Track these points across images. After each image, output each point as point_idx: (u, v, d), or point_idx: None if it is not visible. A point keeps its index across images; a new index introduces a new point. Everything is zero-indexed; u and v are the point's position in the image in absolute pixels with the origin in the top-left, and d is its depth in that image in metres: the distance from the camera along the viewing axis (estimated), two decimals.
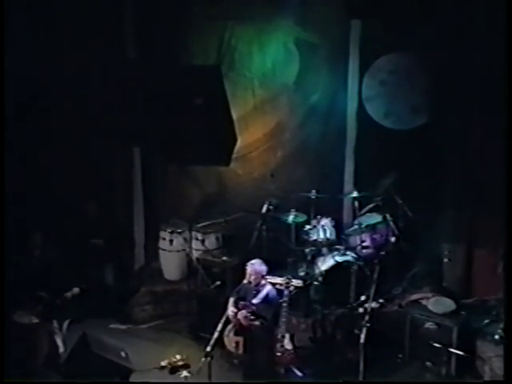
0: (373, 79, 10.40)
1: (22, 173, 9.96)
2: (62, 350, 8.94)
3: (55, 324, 8.99)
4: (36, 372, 8.46)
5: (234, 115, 10.37)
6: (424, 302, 9.38)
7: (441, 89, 9.98)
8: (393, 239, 9.94)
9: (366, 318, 8.20)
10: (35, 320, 8.81)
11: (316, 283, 9.65)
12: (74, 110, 10.18)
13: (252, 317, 7.86)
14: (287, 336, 8.61)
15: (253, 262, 8.11)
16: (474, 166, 9.56)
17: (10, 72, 9.11)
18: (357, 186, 10.51)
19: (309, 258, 9.94)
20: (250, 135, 10.82)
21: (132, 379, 8.80)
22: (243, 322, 7.92)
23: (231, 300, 8.10)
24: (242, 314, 7.92)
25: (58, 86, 10.04)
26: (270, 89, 10.83)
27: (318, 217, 10.17)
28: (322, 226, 10.13)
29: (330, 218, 10.25)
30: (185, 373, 8.96)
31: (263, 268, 8.06)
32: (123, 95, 10.37)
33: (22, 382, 7.09)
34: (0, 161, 8.57)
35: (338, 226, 10.47)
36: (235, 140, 10.33)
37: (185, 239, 10.62)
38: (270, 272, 8.23)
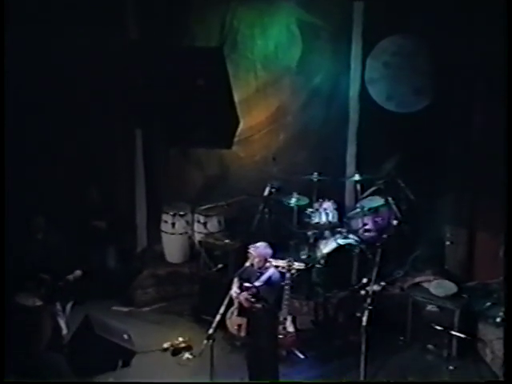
0: (376, 61, 10.36)
1: (24, 157, 9.94)
2: (65, 331, 8.98)
3: (58, 306, 9.02)
4: (39, 353, 8.50)
5: (236, 98, 10.33)
6: (426, 285, 9.41)
7: (444, 71, 9.95)
8: (395, 222, 9.95)
9: (368, 300, 8.19)
10: (38, 302, 8.84)
11: (318, 266, 9.67)
12: (75, 93, 10.14)
13: (253, 299, 7.86)
14: (289, 318, 8.65)
15: (257, 244, 8.09)
16: (476, 148, 9.54)
17: (11, 52, 9.09)
18: (359, 168, 10.50)
19: (311, 240, 9.95)
20: (252, 118, 10.80)
21: (135, 361, 8.89)
22: (245, 304, 7.93)
23: (235, 280, 8.10)
24: (243, 295, 7.93)
25: (58, 68, 9.99)
26: (272, 71, 10.79)
27: (320, 200, 10.16)
28: (324, 209, 10.13)
29: (332, 201, 10.24)
30: (187, 355, 9.07)
31: (268, 251, 8.05)
32: (124, 77, 10.33)
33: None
34: (2, 145, 8.55)
35: (340, 209, 10.45)
36: (237, 122, 10.30)
37: (187, 222, 10.63)
38: (273, 255, 8.23)
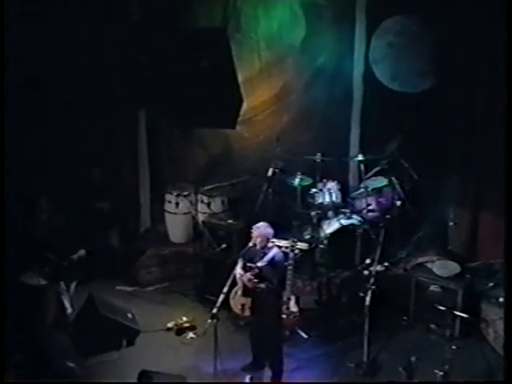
0: (380, 41, 10.30)
1: (27, 138, 9.94)
2: (69, 310, 9.04)
3: (62, 285, 9.07)
4: (45, 332, 8.56)
5: (240, 78, 10.29)
6: (429, 265, 9.43)
7: (447, 52, 9.89)
8: (398, 203, 9.95)
9: (371, 280, 8.25)
10: (43, 282, 8.90)
11: (321, 246, 9.69)
12: (78, 75, 10.11)
13: (256, 280, 7.88)
14: (293, 298, 8.67)
15: (258, 225, 8.09)
16: (480, 129, 9.52)
17: (13, 35, 9.07)
18: (363, 149, 10.49)
19: (314, 221, 9.96)
20: (256, 98, 10.77)
21: (139, 340, 8.94)
22: (249, 284, 7.95)
23: (239, 261, 8.13)
24: (247, 276, 7.95)
25: (61, 50, 9.95)
26: (276, 51, 10.75)
27: (324, 180, 10.16)
28: (328, 190, 10.13)
29: (335, 182, 10.24)
30: (191, 334, 9.12)
31: (269, 231, 8.05)
32: (128, 58, 10.30)
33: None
34: (2, 125, 8.53)
35: (344, 190, 10.47)
36: (241, 102, 10.27)
37: (191, 202, 10.64)
38: (276, 235, 8.24)
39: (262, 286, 7.86)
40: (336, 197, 10.20)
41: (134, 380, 7.57)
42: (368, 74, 10.47)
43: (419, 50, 10.13)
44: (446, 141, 10.09)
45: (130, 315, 9.21)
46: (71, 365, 7.59)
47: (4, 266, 8.17)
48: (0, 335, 7.03)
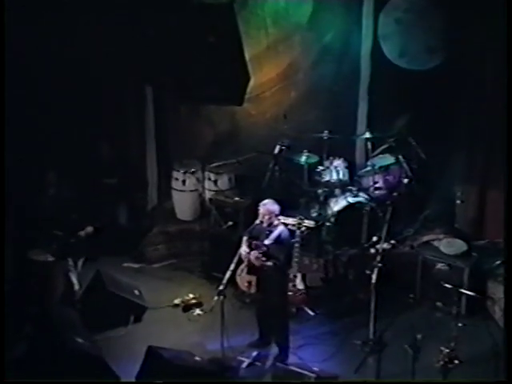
0: (388, 17, 10.19)
1: (36, 114, 9.94)
2: (77, 287, 9.09)
3: (70, 262, 9.11)
4: (53, 307, 8.61)
5: (247, 55, 10.22)
6: (436, 243, 9.43)
7: (456, 29, 9.81)
8: (405, 181, 9.93)
9: (378, 258, 8.25)
10: (50, 258, 8.94)
11: (328, 224, 9.69)
12: (85, 51, 10.08)
13: (263, 258, 7.90)
14: (299, 276, 8.70)
15: (265, 202, 8.09)
16: (488, 107, 9.47)
17: (20, 13, 9.05)
18: (370, 126, 10.43)
19: (321, 198, 9.94)
20: (263, 75, 10.71)
21: (146, 317, 8.99)
22: (255, 262, 7.96)
23: (244, 239, 8.13)
24: (253, 254, 7.96)
25: (69, 25, 9.92)
26: (283, 28, 10.66)
27: (331, 158, 10.13)
28: (335, 167, 10.11)
29: (342, 159, 10.21)
30: (197, 311, 9.16)
31: (275, 208, 8.05)
32: (135, 34, 10.26)
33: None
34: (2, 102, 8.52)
35: (351, 167, 10.43)
36: (248, 79, 10.22)
37: (197, 179, 10.65)
38: (283, 212, 8.24)
39: (269, 263, 7.88)
40: (343, 174, 10.17)
41: (142, 356, 7.60)
42: (376, 51, 10.38)
43: (428, 27, 10.04)
44: (453, 119, 10.05)
45: (137, 292, 9.26)
46: (80, 340, 7.64)
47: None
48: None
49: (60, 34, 9.88)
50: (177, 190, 10.73)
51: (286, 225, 8.27)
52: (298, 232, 8.51)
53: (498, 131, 9.16)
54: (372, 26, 10.35)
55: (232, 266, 7.81)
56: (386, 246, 8.79)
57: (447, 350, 7.01)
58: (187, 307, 9.25)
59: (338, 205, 9.78)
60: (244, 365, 8.10)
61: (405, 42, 10.14)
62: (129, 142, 11.06)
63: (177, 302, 9.30)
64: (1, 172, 8.18)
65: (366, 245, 9.57)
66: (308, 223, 8.78)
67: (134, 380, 7.57)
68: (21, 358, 7.54)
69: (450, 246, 9.25)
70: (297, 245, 8.50)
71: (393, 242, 9.14)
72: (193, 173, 10.60)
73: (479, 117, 9.67)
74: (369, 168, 10.19)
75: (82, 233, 9.19)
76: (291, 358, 8.15)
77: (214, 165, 10.67)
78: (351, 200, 9.74)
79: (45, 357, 7.39)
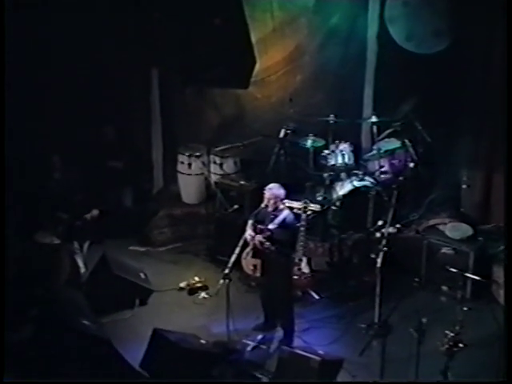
0: (395, 0, 10.16)
1: (40, 96, 9.94)
2: (83, 270, 9.13)
3: (76, 245, 9.15)
4: (59, 289, 8.65)
5: (253, 38, 10.16)
6: (441, 228, 9.44)
7: (464, 12, 9.75)
8: (411, 165, 9.92)
9: (383, 242, 8.26)
10: (56, 241, 8.97)
11: (334, 208, 9.70)
12: (90, 33, 10.05)
13: (268, 242, 7.91)
14: (304, 260, 8.71)
15: (271, 186, 8.08)
16: (494, 91, 9.42)
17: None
18: (376, 110, 10.41)
19: (327, 182, 9.94)
20: (269, 58, 10.68)
21: (151, 300, 9.02)
22: (260, 246, 7.97)
23: (249, 223, 8.13)
24: (258, 238, 7.97)
25: (75, 7, 9.88)
26: (289, 11, 10.62)
27: (337, 142, 10.11)
28: (341, 151, 10.09)
29: (348, 143, 10.19)
30: (203, 294, 9.19)
31: (281, 192, 8.05)
32: (140, 16, 10.22)
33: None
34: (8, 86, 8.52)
35: (357, 151, 10.42)
36: (254, 62, 10.18)
37: (203, 163, 10.63)
38: (288, 196, 8.24)
39: (274, 247, 7.88)
40: (348, 158, 10.16)
41: (147, 338, 7.65)
42: (382, 34, 10.34)
43: (435, 10, 10.00)
44: (460, 103, 10.01)
45: (142, 275, 9.29)
46: (86, 322, 7.67)
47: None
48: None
49: (65, 16, 9.84)
50: (182, 173, 10.73)
51: (291, 209, 8.27)
52: (303, 216, 8.52)
53: (504, 115, 9.13)
54: (379, 9, 10.32)
55: (237, 250, 7.82)
56: (391, 230, 8.78)
57: (452, 334, 7.00)
58: (193, 290, 9.27)
59: (343, 189, 9.77)
60: (249, 348, 8.13)
61: (412, 25, 10.10)
62: (134, 125, 11.05)
63: (182, 285, 9.33)
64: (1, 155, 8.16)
65: (371, 229, 9.57)
66: (313, 207, 8.76)
67: (139, 363, 7.61)
68: (27, 341, 7.57)
69: (455, 230, 9.25)
70: (302, 229, 8.50)
71: (398, 226, 9.12)
72: (198, 156, 10.59)
73: (485, 101, 9.62)
74: (374, 152, 10.17)
75: (88, 216, 9.22)
76: (296, 342, 8.18)
77: (220, 148, 10.67)
78: (357, 184, 9.73)
79: (51, 339, 7.42)
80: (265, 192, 8.08)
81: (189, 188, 10.82)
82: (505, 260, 7.93)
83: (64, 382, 7.21)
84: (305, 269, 8.71)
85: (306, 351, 7.46)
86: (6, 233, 7.93)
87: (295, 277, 8.56)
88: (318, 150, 10.16)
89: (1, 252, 7.83)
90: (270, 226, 7.92)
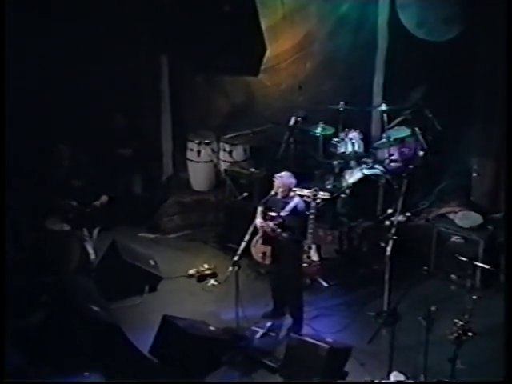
0: None
1: (51, 85, 9.95)
2: (92, 256, 9.15)
3: (85, 232, 9.17)
4: (69, 277, 8.69)
5: (263, 25, 10.14)
6: (451, 216, 9.42)
7: (475, 0, 9.69)
8: (421, 153, 9.89)
9: (393, 230, 8.25)
10: (66, 227, 9.00)
11: (343, 196, 9.69)
12: (101, 21, 10.04)
13: (279, 229, 7.91)
14: (314, 247, 8.71)
15: (281, 174, 8.08)
16: (505, 79, 9.36)
17: None
18: (386, 98, 10.38)
19: (336, 170, 9.92)
20: (279, 46, 10.64)
21: (161, 286, 9.05)
22: (271, 233, 7.98)
23: (259, 210, 8.14)
24: (268, 225, 7.97)
25: None
26: None
27: (346, 129, 10.10)
28: (350, 139, 10.08)
29: (358, 131, 10.18)
30: (212, 281, 9.21)
31: (292, 181, 8.04)
32: (151, 3, 10.22)
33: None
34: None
35: (366, 139, 10.40)
36: (264, 50, 10.16)
37: (212, 150, 10.62)
38: (298, 184, 8.23)
39: (284, 235, 7.89)
40: (358, 146, 10.14)
41: (157, 325, 7.68)
42: (393, 22, 10.28)
43: None
44: (470, 91, 9.95)
45: (152, 262, 9.31)
46: (96, 308, 7.71)
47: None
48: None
49: (78, 3, 9.83)
50: (192, 160, 10.74)
51: (301, 196, 8.26)
52: (313, 204, 8.50)
53: None
54: None
55: (247, 237, 7.84)
56: (401, 218, 8.79)
57: (461, 323, 7.00)
58: (202, 277, 9.30)
59: (353, 177, 9.76)
60: (258, 335, 8.16)
61: (423, 11, 10.01)
62: (144, 112, 11.05)
63: (192, 272, 9.35)
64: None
65: (380, 217, 9.55)
66: (323, 195, 8.75)
67: (148, 349, 7.65)
68: (38, 326, 7.62)
69: (465, 218, 9.23)
70: (312, 216, 8.49)
71: (408, 214, 9.11)
72: (208, 143, 10.57)
73: (496, 89, 9.56)
74: (384, 140, 10.14)
75: (98, 203, 9.23)
76: (305, 329, 8.19)
77: (229, 136, 10.67)
78: (366, 172, 9.72)
79: (61, 325, 7.46)
80: (275, 180, 8.08)
81: (198, 175, 10.83)
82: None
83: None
84: (314, 256, 8.71)
85: (314, 339, 7.49)
86: (16, 220, 7.97)
87: (304, 264, 8.56)
88: (327, 138, 10.14)
89: (4, 240, 7.88)
90: (282, 213, 7.92)
